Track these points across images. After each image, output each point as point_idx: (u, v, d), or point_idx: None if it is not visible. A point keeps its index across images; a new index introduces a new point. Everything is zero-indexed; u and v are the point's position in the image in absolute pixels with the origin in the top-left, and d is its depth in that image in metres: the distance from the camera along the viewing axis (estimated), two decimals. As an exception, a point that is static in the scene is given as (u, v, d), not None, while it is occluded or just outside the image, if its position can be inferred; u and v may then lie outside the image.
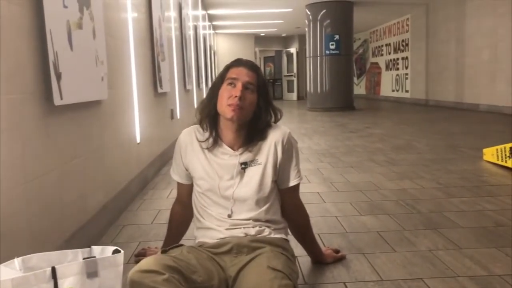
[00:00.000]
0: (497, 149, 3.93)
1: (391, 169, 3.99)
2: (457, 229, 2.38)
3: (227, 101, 1.58)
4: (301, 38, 18.06)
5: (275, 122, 1.70)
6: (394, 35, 15.31)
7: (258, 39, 19.17)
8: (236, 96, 1.57)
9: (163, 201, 3.19)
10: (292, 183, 1.71)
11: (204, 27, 11.24)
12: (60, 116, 1.96)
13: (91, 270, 1.12)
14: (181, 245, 1.57)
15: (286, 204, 1.75)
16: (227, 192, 1.62)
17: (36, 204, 1.72)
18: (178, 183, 1.85)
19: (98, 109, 2.48)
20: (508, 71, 8.90)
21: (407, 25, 14.10)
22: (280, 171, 1.68)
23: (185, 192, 1.83)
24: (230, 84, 1.60)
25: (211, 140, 1.66)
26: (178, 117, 5.67)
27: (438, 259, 2.01)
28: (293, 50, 19.17)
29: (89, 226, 2.25)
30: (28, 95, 1.68)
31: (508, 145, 3.72)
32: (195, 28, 8.57)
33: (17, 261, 1.18)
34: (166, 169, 4.35)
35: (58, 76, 1.84)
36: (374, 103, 14.46)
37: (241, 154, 1.64)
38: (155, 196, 3.33)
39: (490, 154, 4.10)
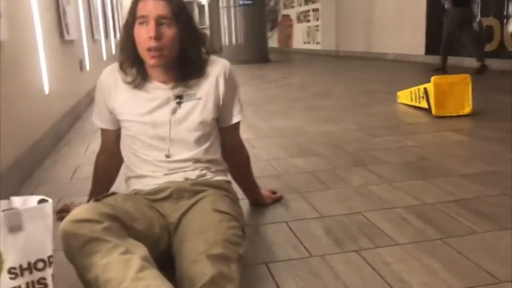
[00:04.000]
0: (411, 91, 4.10)
1: (314, 114, 4.02)
2: (385, 165, 2.44)
3: (144, 44, 1.39)
4: (212, -11, 17.49)
5: (207, 52, 1.53)
6: (304, -14, 15.35)
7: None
8: (151, 38, 1.37)
9: (81, 156, 2.94)
10: (236, 119, 1.61)
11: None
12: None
13: (13, 224, 0.95)
14: (115, 193, 1.42)
15: (227, 144, 1.64)
16: (161, 130, 1.47)
17: None
18: (102, 130, 1.66)
19: (-3, 51, 2.16)
20: (413, 20, 9.32)
21: (317, -24, 14.16)
22: (222, 107, 1.55)
23: (111, 139, 1.66)
24: (142, 23, 1.39)
25: (139, 79, 1.48)
26: (88, 69, 5.25)
27: (373, 193, 2.05)
28: (204, 1, 18.59)
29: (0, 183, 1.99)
30: None
31: (421, 87, 3.89)
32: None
33: None
34: (79, 125, 4.03)
35: None
36: (287, 55, 14.56)
37: (174, 87, 1.47)
38: (71, 152, 3.06)
39: (404, 96, 4.27)
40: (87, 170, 2.56)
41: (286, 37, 17.58)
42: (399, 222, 1.73)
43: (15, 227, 0.95)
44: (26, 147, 2.50)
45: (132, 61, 1.45)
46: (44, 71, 3.07)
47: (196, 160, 1.51)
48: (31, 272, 0.96)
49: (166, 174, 1.48)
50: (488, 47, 6.98)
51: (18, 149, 2.35)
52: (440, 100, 3.66)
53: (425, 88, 3.82)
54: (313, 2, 14.76)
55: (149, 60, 1.40)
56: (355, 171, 2.37)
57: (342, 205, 1.92)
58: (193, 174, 1.50)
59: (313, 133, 3.31)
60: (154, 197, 1.44)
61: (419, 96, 3.94)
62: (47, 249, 0.98)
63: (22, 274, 0.94)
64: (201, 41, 1.50)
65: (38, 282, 0.97)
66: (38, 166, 2.67)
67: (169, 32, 1.39)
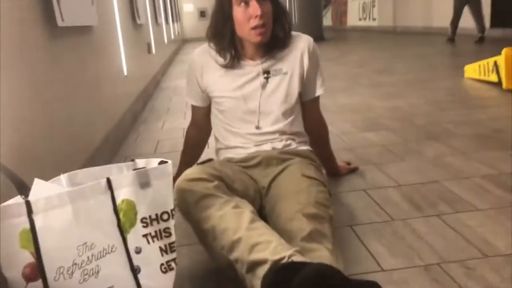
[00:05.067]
0: (479, 65, 4.01)
1: (378, 90, 4.03)
2: (458, 138, 2.45)
3: (249, 24, 1.46)
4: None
5: (289, 27, 1.61)
6: (360, -39, 14.98)
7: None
8: (257, 16, 1.45)
9: (159, 132, 3.14)
10: (318, 92, 1.69)
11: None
12: (62, 40, 1.84)
13: (143, 181, 1.09)
14: (211, 159, 1.55)
15: (309, 116, 1.73)
16: (252, 104, 1.58)
17: (52, 129, 1.65)
18: (193, 106, 1.79)
19: (91, 35, 2.35)
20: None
21: (373, -50, 13.77)
22: (306, 81, 1.64)
23: (201, 115, 1.79)
24: (241, 4, 1.46)
25: (233, 60, 1.57)
26: (154, 51, 5.48)
27: (448, 163, 2.08)
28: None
29: (96, 157, 2.20)
30: (32, 16, 1.56)
31: (491, 60, 3.79)
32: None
33: (63, 177, 1.13)
34: (151, 104, 4.26)
35: (57, -4, 1.71)
36: (342, 33, 14.35)
37: (263, 62, 1.58)
38: (149, 129, 3.27)
39: (472, 70, 4.18)
40: (168, 145, 2.76)
41: (341, 14, 17.28)
42: (477, 190, 1.76)
43: (144, 183, 1.09)
44: (113, 125, 2.71)
45: (228, 43, 1.53)
46: (122, 54, 3.28)
47: (282, 132, 1.61)
48: (158, 222, 1.10)
49: (255, 145, 1.60)
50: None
51: (106, 126, 2.55)
52: (511, 73, 3.56)
53: (495, 61, 3.72)
54: (369, -23, 14.40)
55: (256, 37, 1.48)
56: (428, 143, 2.40)
57: (418, 174, 1.98)
58: (279, 145, 1.60)
59: (380, 108, 3.33)
60: (245, 164, 1.56)
61: (488, 69, 3.85)
62: (170, 203, 1.12)
63: (151, 224, 1.09)
64: (287, 16, 1.58)
65: (164, 231, 1.11)
66: (123, 142, 2.89)
67: (267, 7, 1.47)
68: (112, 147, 2.59)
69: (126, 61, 3.35)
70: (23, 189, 1.05)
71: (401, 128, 2.74)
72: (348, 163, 2.11)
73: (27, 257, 0.97)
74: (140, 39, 4.43)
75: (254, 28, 1.46)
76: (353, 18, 15.94)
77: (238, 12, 1.47)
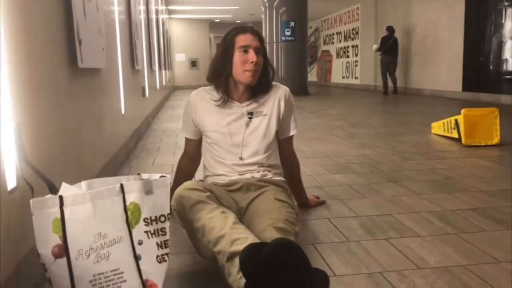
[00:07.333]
0: (443, 122, 4.45)
1: (352, 141, 4.42)
2: (415, 182, 2.81)
3: (244, 67, 1.83)
4: (255, 26, 18.26)
5: (272, 77, 1.98)
6: (344, 24, 15.94)
7: (213, 25, 19.31)
8: (252, 62, 1.82)
9: (150, 167, 3.44)
10: (292, 132, 2.04)
11: (161, 11, 11.29)
12: (80, 79, 2.18)
13: (148, 188, 1.39)
14: (202, 180, 1.86)
15: (284, 151, 2.08)
16: (237, 138, 1.91)
17: (64, 152, 1.96)
18: (187, 139, 2.12)
19: (99, 76, 2.70)
20: (448, 58, 9.65)
21: (357, 14, 14.74)
22: (282, 122, 2.00)
23: (193, 146, 2.11)
24: (243, 51, 1.84)
25: (224, 98, 1.93)
26: (147, 95, 5.86)
27: (402, 201, 2.42)
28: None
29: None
30: (60, 58, 1.91)
31: (453, 118, 4.23)
32: (157, 12, 8.68)
33: (83, 183, 1.43)
34: (142, 143, 4.57)
35: (80, 42, 2.07)
36: (326, 89, 15.04)
37: (247, 105, 1.93)
38: (141, 164, 3.57)
39: (437, 127, 4.62)
40: (158, 177, 3.05)
41: (325, 72, 18.09)
42: (423, 222, 2.10)
43: (148, 191, 1.39)
44: (110, 157, 3.01)
45: (224, 83, 1.89)
46: (122, 95, 3.63)
47: (261, 164, 1.95)
48: (156, 223, 1.39)
49: (239, 174, 1.92)
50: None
51: (106, 157, 2.85)
52: (469, 130, 3.99)
53: (456, 120, 4.16)
54: (353, 39, 15.28)
55: (247, 79, 1.84)
56: (388, 185, 2.75)
57: (375, 209, 2.31)
58: (258, 175, 1.93)
59: (351, 155, 3.70)
60: (229, 188, 1.88)
61: (450, 126, 4.28)
62: (166, 209, 1.41)
63: (151, 223, 1.38)
64: (271, 68, 1.96)
65: (161, 230, 1.40)
66: (118, 172, 3.18)
67: (260, 59, 1.87)
68: (110, 175, 2.87)
69: (124, 101, 3.70)
70: (53, 190, 1.35)
71: (366, 172, 3.09)
72: (317, 197, 2.44)
73: (56, 240, 1.25)
74: (136, 83, 4.81)
75: (248, 70, 1.83)
76: (337, 76, 16.74)
77: (237, 56, 1.84)
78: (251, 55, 1.83)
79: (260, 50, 1.87)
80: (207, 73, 1.95)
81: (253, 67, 1.83)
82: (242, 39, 1.86)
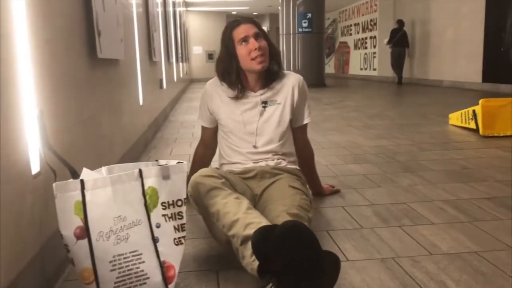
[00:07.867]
0: (461, 113, 4.41)
1: (368, 132, 4.41)
2: (431, 172, 2.81)
3: (250, 56, 1.86)
4: (272, 17, 18.27)
5: (278, 57, 1.97)
6: (362, 15, 15.79)
7: (230, 18, 19.22)
8: (255, 49, 1.85)
9: (168, 157, 3.50)
10: (306, 121, 2.07)
11: (178, 4, 11.36)
12: (99, 69, 2.24)
13: (165, 174, 1.44)
14: (217, 168, 1.90)
15: (298, 140, 2.10)
16: (251, 127, 1.95)
17: (85, 140, 2.02)
18: (203, 127, 2.16)
19: (118, 68, 2.76)
20: (469, 49, 9.50)
21: (375, 4, 14.58)
22: (296, 111, 2.02)
23: (209, 135, 2.15)
24: (242, 43, 1.86)
25: (238, 92, 1.96)
26: (165, 87, 5.92)
27: (417, 190, 2.43)
28: (264, 28, 19.43)
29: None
30: (80, 49, 1.96)
31: (470, 109, 4.20)
32: (174, 5, 8.73)
33: (103, 169, 1.48)
34: (160, 134, 4.65)
35: (99, 34, 2.12)
36: (343, 81, 14.96)
37: (261, 94, 1.96)
38: (159, 154, 3.63)
39: (455, 118, 4.58)
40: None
41: (343, 63, 17.97)
42: (437, 210, 2.10)
43: (166, 176, 1.44)
44: (129, 146, 3.08)
45: (235, 78, 1.91)
46: (140, 86, 3.69)
47: (275, 153, 1.98)
48: (174, 207, 1.44)
49: (253, 162, 1.95)
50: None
51: (125, 147, 2.92)
52: (487, 121, 3.96)
53: (473, 110, 4.13)
54: (371, 31, 15.13)
55: (257, 66, 1.86)
56: (404, 175, 2.75)
57: (389, 197, 2.32)
58: (272, 163, 1.96)
59: (367, 146, 3.70)
60: (244, 176, 1.91)
61: (468, 117, 4.25)
62: (183, 193, 1.46)
63: (169, 207, 1.43)
64: (279, 55, 1.98)
65: (178, 214, 1.44)
66: (137, 161, 3.24)
67: (264, 43, 1.88)
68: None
69: (142, 93, 3.76)
70: (75, 174, 1.40)
71: (382, 163, 3.10)
72: (332, 186, 2.46)
73: (78, 222, 1.31)
74: (154, 75, 4.88)
75: (255, 58, 1.85)
76: (355, 67, 16.62)
77: (240, 49, 1.87)
78: (252, 43, 1.85)
79: (260, 34, 1.88)
80: (216, 74, 1.97)
81: (258, 52, 1.84)
82: (239, 32, 1.88)
